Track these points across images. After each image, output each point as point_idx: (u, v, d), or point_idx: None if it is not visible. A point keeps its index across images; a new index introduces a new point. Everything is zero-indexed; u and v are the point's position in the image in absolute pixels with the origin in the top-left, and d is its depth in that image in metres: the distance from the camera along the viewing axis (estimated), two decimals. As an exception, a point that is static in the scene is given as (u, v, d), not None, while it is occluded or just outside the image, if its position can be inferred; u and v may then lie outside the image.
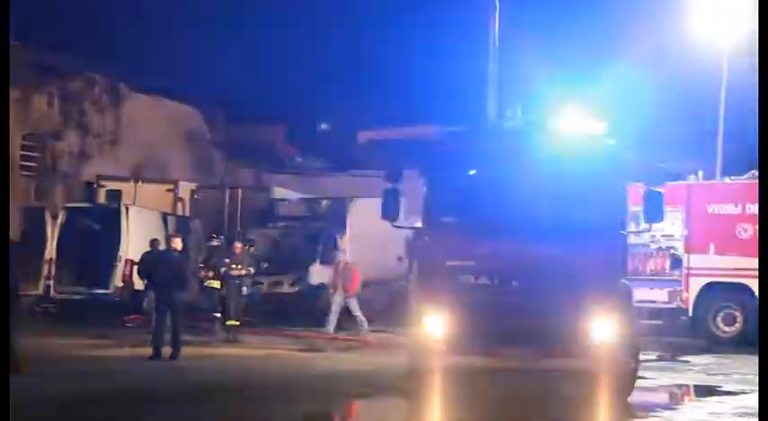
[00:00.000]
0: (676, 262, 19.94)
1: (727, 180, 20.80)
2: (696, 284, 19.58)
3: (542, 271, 10.81)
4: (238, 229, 23.90)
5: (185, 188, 25.05)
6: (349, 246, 23.71)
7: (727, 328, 19.53)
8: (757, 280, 19.01)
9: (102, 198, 23.96)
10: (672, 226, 19.47)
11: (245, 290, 18.83)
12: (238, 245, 19.08)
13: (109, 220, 20.87)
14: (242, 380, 13.47)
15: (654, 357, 16.71)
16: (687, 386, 14.08)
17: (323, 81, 35.47)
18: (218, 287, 19.90)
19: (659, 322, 19.63)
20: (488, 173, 11.34)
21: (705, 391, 13.25)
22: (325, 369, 14.86)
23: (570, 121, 11.64)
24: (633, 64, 26.31)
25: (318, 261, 22.63)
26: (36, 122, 26.41)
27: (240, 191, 25.60)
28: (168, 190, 24.76)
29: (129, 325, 19.89)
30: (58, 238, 20.64)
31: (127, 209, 21.21)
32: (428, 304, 11.07)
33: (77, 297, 20.39)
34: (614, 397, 10.88)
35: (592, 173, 11.14)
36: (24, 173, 25.96)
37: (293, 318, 20.87)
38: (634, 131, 13.12)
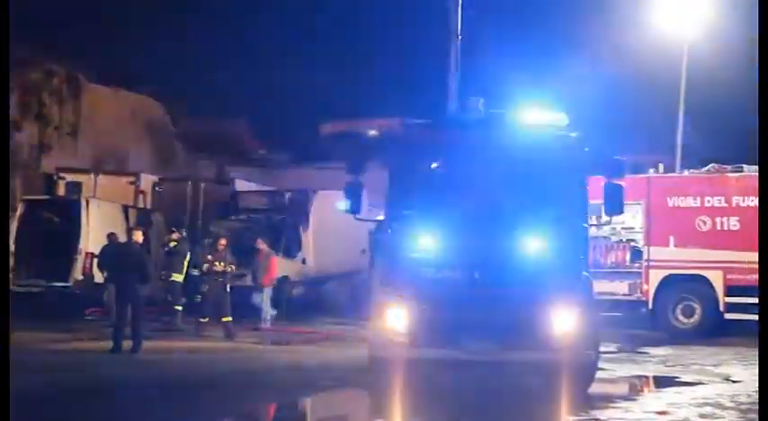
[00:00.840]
0: (636, 254, 20.13)
1: (686, 173, 21.01)
2: (656, 276, 19.78)
3: (504, 263, 10.87)
4: (199, 222, 23.82)
5: (147, 180, 24.85)
6: (312, 239, 23.71)
7: (685, 320, 19.75)
8: (717, 271, 19.30)
9: (61, 190, 23.72)
10: (632, 218, 19.65)
11: (228, 288, 18.42)
12: (223, 241, 18.72)
13: (69, 213, 20.67)
14: (204, 373, 13.42)
15: (614, 349, 16.86)
16: (646, 377, 14.22)
17: (285, 73, 35.31)
18: (181, 281, 19.82)
19: (620, 314, 19.80)
20: (450, 165, 11.38)
21: (664, 382, 13.38)
22: (287, 362, 14.83)
23: (532, 114, 11.68)
24: (595, 56, 26.49)
25: (281, 253, 22.57)
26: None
27: (202, 183, 25.46)
28: (129, 182, 24.55)
29: (90, 318, 19.75)
30: (17, 231, 20.40)
31: (87, 201, 21.02)
32: (390, 297, 11.08)
33: (36, 290, 20.18)
34: (575, 388, 10.95)
35: (553, 165, 11.21)
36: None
37: (256, 311, 20.79)
38: (595, 124, 13.18)
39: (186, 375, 13.07)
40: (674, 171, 22.29)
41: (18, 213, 20.72)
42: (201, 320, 18.29)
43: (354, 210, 11.61)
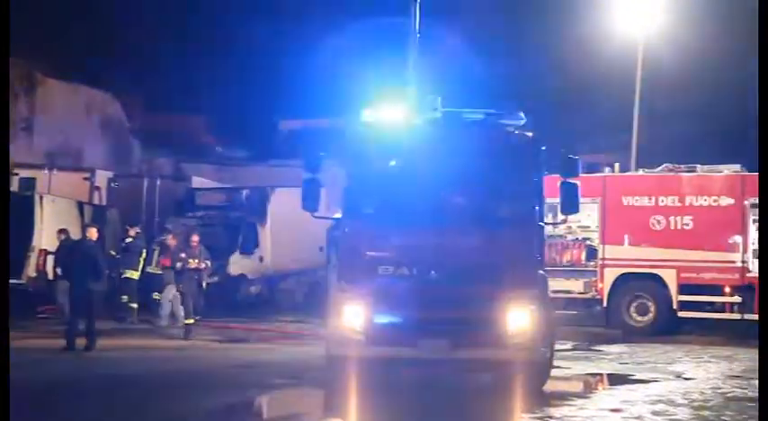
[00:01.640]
0: (592, 253, 20.27)
1: (641, 172, 21.22)
2: (611, 275, 19.95)
3: (460, 262, 10.90)
4: (156, 219, 23.64)
5: (102, 177, 24.64)
6: (269, 236, 23.64)
7: (639, 318, 19.94)
8: (671, 270, 19.52)
9: (15, 186, 23.42)
10: (588, 217, 19.79)
11: (204, 285, 17.92)
12: (195, 237, 17.97)
13: (22, 209, 20.39)
14: (158, 371, 13.32)
15: (569, 346, 16.99)
16: (601, 374, 14.34)
17: (243, 69, 35.17)
18: (136, 278, 19.66)
19: (575, 312, 19.96)
20: (407, 164, 11.40)
21: (618, 380, 13.52)
22: (243, 360, 14.78)
23: (488, 113, 11.74)
24: (552, 56, 26.68)
25: (238, 251, 22.48)
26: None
27: (158, 180, 25.29)
28: (84, 178, 24.32)
29: (43, 315, 19.52)
30: (-31, 227, 20.09)
31: (41, 197, 20.79)
32: (348, 295, 11.08)
33: (-12, 287, 19.87)
34: (530, 385, 11.03)
35: (509, 164, 11.27)
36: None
37: (212, 309, 20.68)
38: (551, 123, 13.29)
39: (141, 374, 12.97)
40: (629, 170, 22.50)
41: (-31, 209, 20.39)
42: (187, 322, 17.44)
43: (311, 207, 11.58)
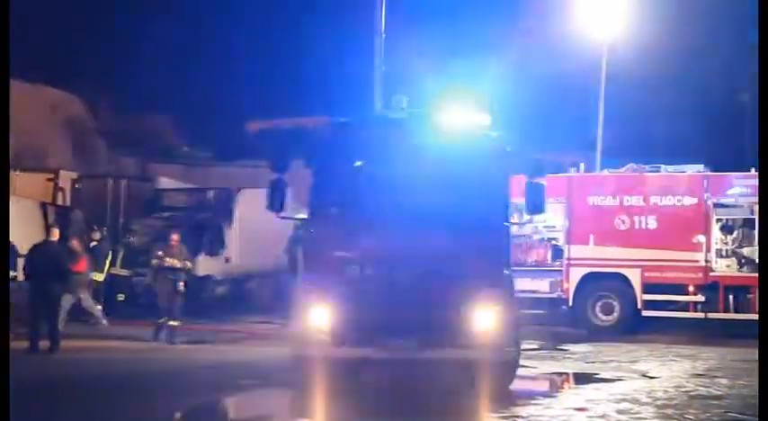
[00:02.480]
0: (558, 252, 20.38)
1: (606, 172, 21.37)
2: (576, 274, 20.07)
3: (427, 262, 10.91)
4: (121, 220, 23.49)
5: (66, 177, 24.43)
6: (236, 237, 23.54)
7: (605, 317, 20.07)
8: (635, 270, 19.67)
9: (-23, 187, 23.15)
10: (554, 217, 19.89)
11: (181, 286, 16.81)
12: (175, 236, 17.21)
13: (-16, 210, 20.17)
14: (123, 373, 13.24)
15: (535, 346, 17.06)
16: (566, 374, 14.43)
17: (211, 70, 34.99)
18: (101, 280, 19.52)
19: (541, 312, 20.04)
20: (374, 164, 11.41)
21: (583, 379, 13.60)
22: (209, 361, 14.72)
23: (455, 114, 11.77)
24: (518, 56, 26.76)
25: (205, 252, 22.38)
26: None
27: (124, 180, 25.11)
28: (48, 179, 24.09)
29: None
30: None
31: (4, 198, 20.54)
32: (313, 295, 11.06)
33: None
34: (496, 385, 11.07)
35: (476, 165, 11.30)
36: None
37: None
38: (517, 124, 13.34)
39: (106, 376, 12.88)
40: (594, 170, 22.65)
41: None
42: (160, 321, 16.81)
43: (277, 208, 11.56)
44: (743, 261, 19.40)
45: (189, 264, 17.17)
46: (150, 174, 28.43)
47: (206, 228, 22.99)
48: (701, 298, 19.35)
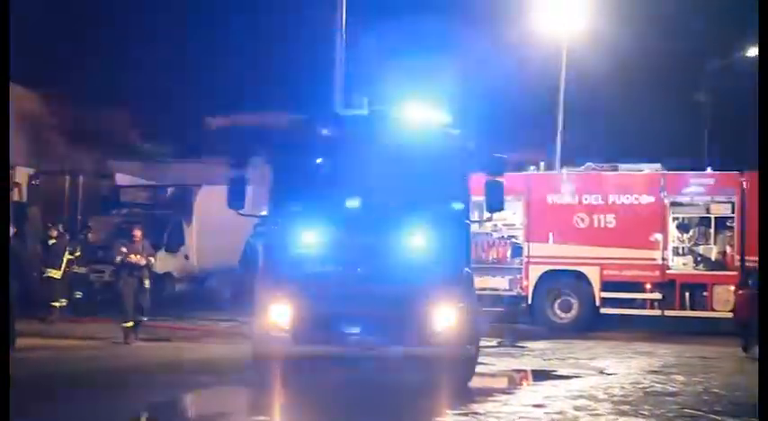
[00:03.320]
0: (517, 250, 20.53)
1: (564, 171, 21.52)
2: (535, 272, 20.22)
3: (386, 260, 10.93)
4: (79, 216, 23.27)
5: (22, 173, 24.18)
6: (195, 234, 23.44)
7: (563, 314, 20.24)
8: (594, 267, 19.85)
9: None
10: (513, 215, 20.03)
11: (147, 283, 16.33)
12: (138, 232, 16.71)
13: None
14: (78, 371, 13.10)
15: (494, 343, 17.15)
16: (524, 371, 14.51)
17: (169, 64, 34.74)
18: (58, 277, 19.32)
19: (501, 309, 20.17)
20: (334, 162, 11.40)
21: (541, 376, 13.69)
22: (167, 359, 14.62)
23: (415, 112, 11.79)
24: (478, 55, 26.88)
25: (164, 249, 22.23)
26: None
27: (81, 177, 24.88)
28: (4, 175, 23.77)
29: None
30: None
31: (-42, 194, 20.27)
32: (273, 292, 11.04)
33: None
34: (455, 382, 11.12)
35: (435, 163, 11.32)
36: None
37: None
38: (477, 122, 13.40)
39: (63, 373, 12.75)
40: (554, 169, 22.81)
41: None
42: (125, 325, 16.20)
43: (237, 205, 11.50)
44: (699, 259, 19.67)
45: (153, 260, 16.77)
46: (108, 170, 28.19)
47: (165, 225, 22.86)
48: (658, 295, 19.58)
